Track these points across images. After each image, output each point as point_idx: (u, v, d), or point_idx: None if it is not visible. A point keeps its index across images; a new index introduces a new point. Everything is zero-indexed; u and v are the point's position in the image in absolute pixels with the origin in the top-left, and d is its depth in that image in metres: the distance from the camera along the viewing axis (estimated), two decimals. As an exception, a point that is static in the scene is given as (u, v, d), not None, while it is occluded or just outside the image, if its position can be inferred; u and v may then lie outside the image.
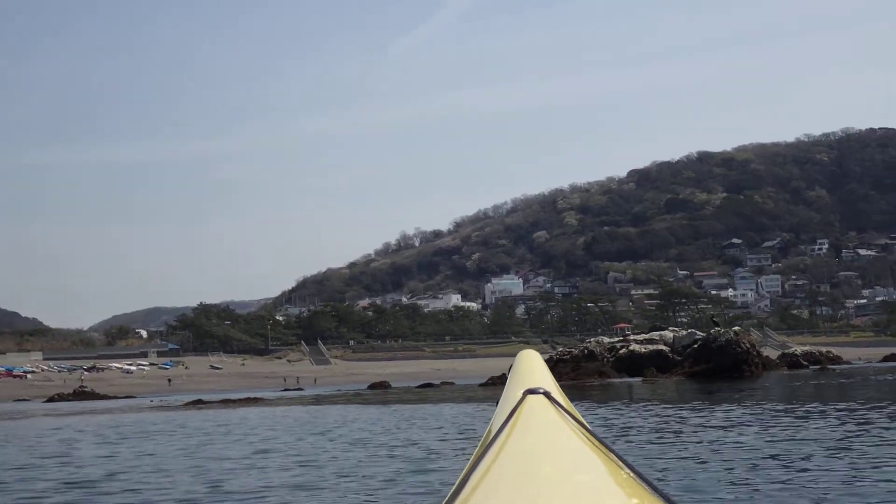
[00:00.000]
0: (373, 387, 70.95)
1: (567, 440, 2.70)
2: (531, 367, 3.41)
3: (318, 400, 51.31)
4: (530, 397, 2.96)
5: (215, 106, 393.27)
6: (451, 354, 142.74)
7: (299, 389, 78.80)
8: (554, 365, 60.36)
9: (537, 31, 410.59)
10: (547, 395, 3.00)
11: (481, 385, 62.16)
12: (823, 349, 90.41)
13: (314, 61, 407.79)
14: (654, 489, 2.42)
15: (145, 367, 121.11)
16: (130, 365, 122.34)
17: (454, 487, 2.39)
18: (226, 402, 51.26)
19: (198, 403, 51.28)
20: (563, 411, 2.91)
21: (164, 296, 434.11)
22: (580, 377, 55.51)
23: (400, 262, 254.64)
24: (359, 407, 39.82)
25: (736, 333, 60.43)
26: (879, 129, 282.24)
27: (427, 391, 60.66)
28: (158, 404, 55.74)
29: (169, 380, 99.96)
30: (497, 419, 2.94)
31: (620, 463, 2.58)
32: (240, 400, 53.39)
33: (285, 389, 79.51)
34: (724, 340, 58.37)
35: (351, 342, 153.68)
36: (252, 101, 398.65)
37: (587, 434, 2.79)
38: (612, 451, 2.65)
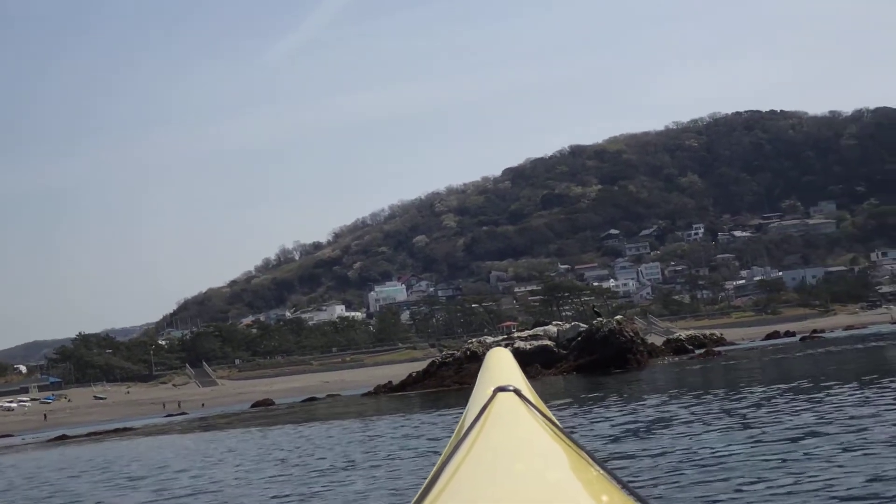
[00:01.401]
0: (256, 405, 69.17)
1: (537, 437, 2.70)
2: (501, 364, 3.45)
3: (187, 427, 48.83)
4: (500, 395, 2.95)
5: (62, 133, 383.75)
6: (339, 366, 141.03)
7: (183, 414, 76.56)
8: (437, 369, 59.26)
9: (407, 35, 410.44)
10: (517, 392, 2.98)
11: (365, 395, 60.70)
12: (707, 332, 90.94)
13: (177, 75, 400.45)
14: (625, 486, 2.45)
15: (26, 403, 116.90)
16: (10, 402, 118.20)
17: (424, 485, 2.38)
18: (92, 436, 48.99)
19: (63, 439, 48.89)
20: (533, 409, 2.89)
21: (43, 329, 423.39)
22: (464, 380, 54.13)
23: (281, 277, 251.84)
24: (224, 434, 37.54)
25: (618, 323, 59.77)
26: (745, 111, 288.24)
27: (312, 405, 58.99)
28: (22, 442, 53.37)
29: (45, 415, 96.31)
30: (467, 416, 2.94)
31: (591, 460, 2.61)
32: (107, 432, 51.10)
33: (168, 415, 77.09)
34: (606, 331, 57.53)
35: (237, 361, 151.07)
36: (94, 120, 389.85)
37: (557, 431, 2.79)
38: (582, 448, 2.68)
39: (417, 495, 2.32)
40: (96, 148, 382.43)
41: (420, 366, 63.77)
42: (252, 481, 16.59)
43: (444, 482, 2.38)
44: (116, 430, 51.64)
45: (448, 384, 54.51)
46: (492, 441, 2.63)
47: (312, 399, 67.40)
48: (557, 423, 2.85)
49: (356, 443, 22.44)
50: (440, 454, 2.32)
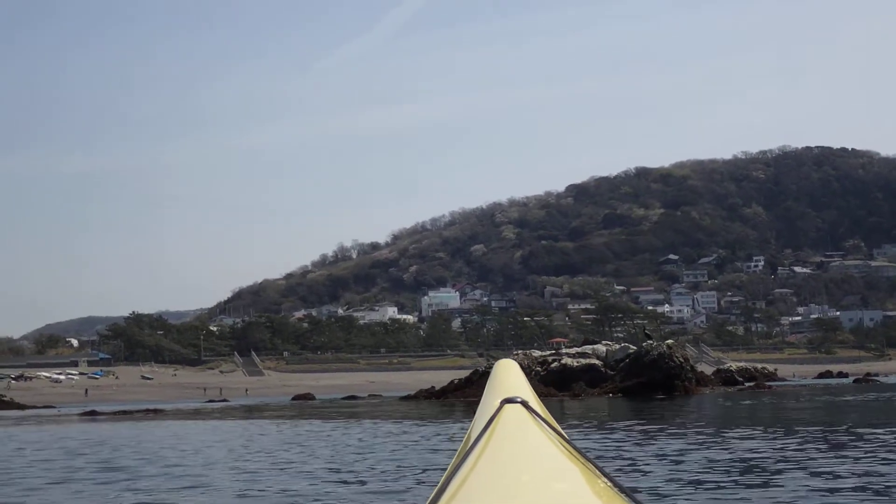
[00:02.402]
0: (296, 398, 69.63)
1: (544, 449, 2.72)
2: (509, 376, 3.42)
3: (220, 414, 48.39)
4: (507, 406, 2.98)
5: (152, 120, 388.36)
6: (386, 367, 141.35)
7: (224, 401, 76.91)
8: (479, 378, 58.76)
9: (472, 45, 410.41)
10: (524, 404, 3.00)
11: (404, 398, 60.41)
12: (759, 365, 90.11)
13: (249, 77, 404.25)
14: (631, 498, 2.47)
15: (74, 377, 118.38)
16: (59, 374, 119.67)
17: (431, 497, 2.41)
18: (120, 414, 49.18)
19: (93, 414, 49.34)
20: (540, 420, 2.93)
21: (100, 305, 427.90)
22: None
23: (337, 274, 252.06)
24: (248, 424, 36.72)
25: (669, 347, 58.95)
26: (815, 147, 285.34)
27: (350, 404, 58.91)
28: (57, 414, 53.95)
29: (86, 390, 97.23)
30: (475, 428, 2.96)
31: (597, 472, 2.62)
32: (138, 411, 51.14)
33: (210, 401, 77.61)
34: (656, 354, 56.82)
35: (285, 353, 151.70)
36: (188, 115, 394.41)
37: (564, 443, 2.81)
38: (589, 460, 2.69)
39: None
40: (177, 137, 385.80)
41: (465, 374, 63.40)
42: (214, 480, 15.79)
43: (451, 493, 2.40)
44: (147, 411, 51.76)
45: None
46: (499, 452, 2.65)
47: (353, 398, 67.49)
48: (565, 434, 2.87)
49: (359, 445, 21.96)
50: (442, 466, 2.41)
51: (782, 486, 12.44)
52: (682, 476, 13.99)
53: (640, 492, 11.65)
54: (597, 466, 2.64)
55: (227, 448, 22.16)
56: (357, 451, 19.57)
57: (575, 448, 2.76)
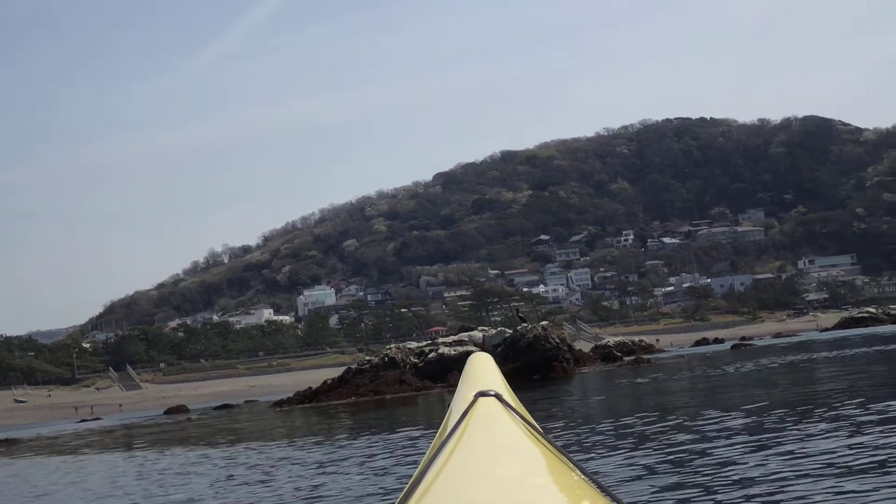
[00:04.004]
0: (170, 411, 67.66)
1: (518, 442, 2.73)
2: (482, 369, 3.45)
3: (71, 441, 45.01)
4: (482, 399, 2.99)
5: (7, 134, 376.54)
6: (266, 370, 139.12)
7: (97, 419, 74.75)
8: (353, 376, 57.42)
9: (332, 42, 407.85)
10: (498, 397, 3.01)
11: (274, 404, 57.84)
12: (636, 338, 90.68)
13: (99, 84, 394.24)
14: (606, 492, 2.48)
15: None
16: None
17: (405, 490, 2.43)
18: None
19: None
20: (514, 413, 2.93)
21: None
22: (380, 389, 52.34)
23: (209, 280, 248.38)
24: (94, 457, 33.72)
25: (544, 329, 58.51)
26: (675, 118, 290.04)
27: (224, 414, 56.88)
28: None
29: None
30: (449, 421, 2.97)
31: (572, 465, 2.65)
32: None
33: (81, 420, 75.38)
34: (531, 337, 56.17)
35: (162, 365, 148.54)
36: (36, 128, 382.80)
37: (538, 436, 2.83)
38: (563, 453, 2.71)
39: (399, 500, 2.36)
40: (41, 155, 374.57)
41: (342, 371, 61.74)
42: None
43: (425, 487, 2.40)
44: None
45: (364, 393, 52.27)
46: (473, 446, 2.67)
47: (226, 406, 65.34)
48: (538, 427, 2.88)
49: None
50: None
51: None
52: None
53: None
54: (571, 460, 2.66)
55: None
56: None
57: (549, 441, 2.77)
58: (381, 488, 15.06)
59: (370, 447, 22.76)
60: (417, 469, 2.54)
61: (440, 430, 2.99)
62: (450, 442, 2.68)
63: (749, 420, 18.99)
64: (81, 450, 38.11)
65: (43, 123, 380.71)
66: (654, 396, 33.08)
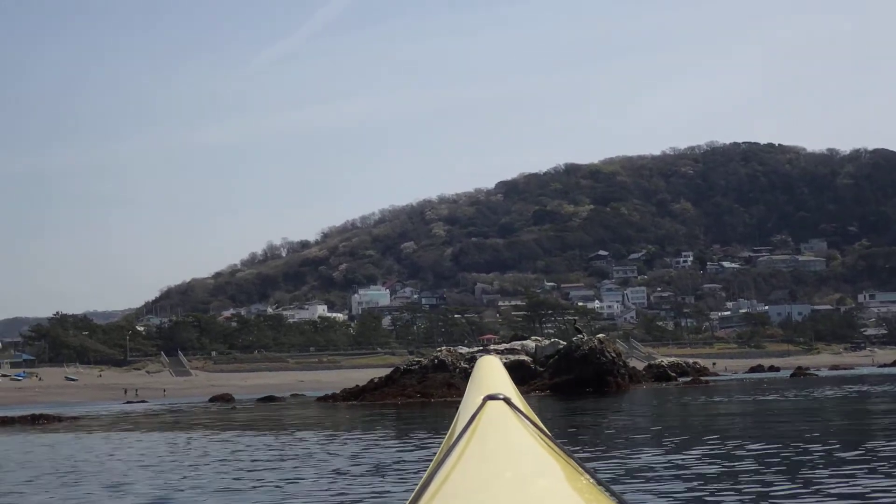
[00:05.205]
0: (215, 399, 67.83)
1: (527, 445, 2.73)
2: (491, 373, 3.43)
3: (114, 422, 44.28)
4: (490, 403, 2.98)
5: (88, 119, 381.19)
6: (316, 365, 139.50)
7: (143, 402, 75.32)
8: (400, 376, 56.97)
9: (402, 44, 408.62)
10: (507, 400, 3.00)
11: (318, 399, 57.99)
12: (690, 360, 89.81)
13: (185, 75, 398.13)
14: (614, 495, 2.50)
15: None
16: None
17: (414, 494, 2.43)
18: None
19: None
20: (522, 417, 2.93)
21: (26, 306, 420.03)
22: (428, 391, 51.67)
23: (266, 273, 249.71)
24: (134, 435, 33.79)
25: (600, 341, 57.84)
26: (743, 143, 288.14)
27: (265, 406, 56.51)
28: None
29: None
30: (457, 425, 2.97)
31: (580, 468, 2.63)
32: (22, 418, 46.28)
33: (127, 402, 76.12)
34: (587, 349, 55.55)
35: (213, 353, 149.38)
36: (136, 113, 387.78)
37: (547, 440, 2.83)
38: (571, 456, 2.70)
39: (408, 503, 2.37)
40: (89, 135, 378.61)
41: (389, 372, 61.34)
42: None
43: (433, 491, 2.41)
44: (34, 417, 46.67)
45: (410, 394, 51.88)
46: (481, 449, 2.67)
47: (270, 398, 65.14)
48: (547, 431, 2.89)
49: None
50: None
51: None
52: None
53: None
54: (579, 463, 2.65)
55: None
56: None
57: (557, 445, 2.77)
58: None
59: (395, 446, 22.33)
60: (426, 472, 2.56)
61: (448, 433, 2.98)
62: (458, 445, 2.68)
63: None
64: (115, 428, 38.27)
65: (134, 110, 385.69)
66: (727, 418, 31.78)
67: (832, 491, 12.21)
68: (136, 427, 38.68)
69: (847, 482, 12.90)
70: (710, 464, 15.64)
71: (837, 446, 18.05)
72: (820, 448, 17.70)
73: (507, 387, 3.15)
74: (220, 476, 17.19)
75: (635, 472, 14.74)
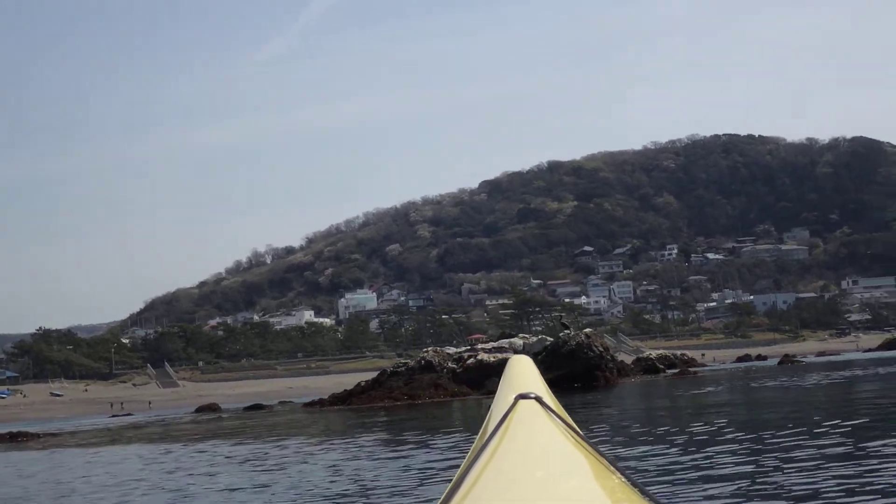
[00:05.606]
0: (201, 409, 67.70)
1: (559, 445, 2.75)
2: (523, 372, 3.46)
3: (94, 437, 44.08)
4: (522, 402, 3.00)
5: (51, 126, 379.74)
6: (304, 371, 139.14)
7: (128, 415, 75.23)
8: (387, 378, 56.81)
9: (382, 46, 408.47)
10: (538, 399, 3.03)
11: (307, 405, 57.82)
12: (678, 352, 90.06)
13: (136, 80, 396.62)
14: (646, 494, 2.49)
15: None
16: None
17: (446, 492, 2.44)
18: None
19: None
20: (554, 416, 2.96)
21: (7, 323, 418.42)
22: (415, 392, 51.46)
23: (251, 280, 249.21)
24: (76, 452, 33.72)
25: (588, 336, 57.95)
26: (723, 135, 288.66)
27: (249, 416, 55.93)
28: None
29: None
30: (490, 424, 2.98)
31: (612, 468, 2.64)
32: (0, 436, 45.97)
33: (113, 415, 76.08)
34: (574, 344, 55.57)
35: (200, 363, 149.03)
36: (78, 124, 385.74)
37: (579, 439, 2.84)
38: (603, 456, 2.71)
39: (441, 500, 2.39)
40: (77, 146, 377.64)
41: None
42: None
43: (465, 489, 2.42)
44: (12, 435, 46.16)
45: (397, 396, 51.41)
46: (513, 448, 2.69)
47: (257, 407, 64.78)
48: (579, 430, 2.90)
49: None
50: None
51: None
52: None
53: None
54: (611, 462, 2.65)
55: None
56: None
57: (589, 444, 2.78)
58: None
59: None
60: (459, 470, 2.57)
61: (481, 431, 2.98)
62: (490, 444, 2.68)
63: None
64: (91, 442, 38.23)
65: (84, 120, 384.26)
66: (718, 408, 31.85)
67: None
68: (114, 441, 38.60)
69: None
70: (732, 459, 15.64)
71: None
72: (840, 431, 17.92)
73: (538, 386, 3.20)
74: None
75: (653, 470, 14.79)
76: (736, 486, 12.24)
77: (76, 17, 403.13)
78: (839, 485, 11.79)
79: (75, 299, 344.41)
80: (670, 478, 13.49)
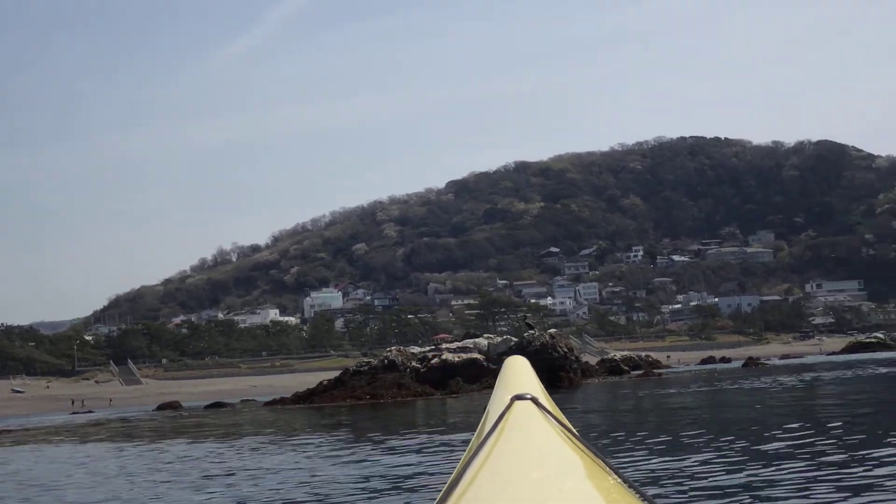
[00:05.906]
0: (162, 407, 67.13)
1: (555, 446, 2.73)
2: (519, 372, 3.46)
3: (45, 434, 42.80)
4: (518, 403, 2.99)
5: (17, 131, 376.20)
6: (269, 370, 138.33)
7: (89, 412, 74.43)
8: (350, 377, 56.37)
9: (350, 48, 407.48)
10: (534, 400, 3.01)
11: (268, 404, 57.14)
12: (642, 354, 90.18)
13: (120, 80, 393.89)
14: (642, 495, 2.48)
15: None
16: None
17: (441, 493, 2.42)
18: None
19: None
20: (550, 417, 2.94)
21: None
22: (378, 392, 51.05)
23: (216, 278, 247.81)
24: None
25: (552, 336, 57.82)
26: (690, 137, 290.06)
27: (213, 413, 55.36)
28: None
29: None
30: (485, 425, 2.98)
31: (608, 469, 2.64)
32: None
33: (74, 412, 75.29)
34: (538, 345, 55.43)
35: (164, 360, 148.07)
36: (60, 122, 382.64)
37: (575, 440, 2.82)
38: (599, 457, 2.71)
39: (436, 501, 2.37)
40: (47, 145, 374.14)
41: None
42: None
43: (461, 491, 2.41)
44: None
45: (360, 395, 50.77)
46: (509, 449, 2.67)
47: (219, 405, 64.03)
48: (575, 431, 2.88)
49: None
50: None
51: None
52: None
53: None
54: (607, 463, 2.65)
55: None
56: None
57: (585, 445, 2.77)
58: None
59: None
60: (454, 471, 2.56)
61: (477, 432, 2.98)
62: (486, 445, 2.67)
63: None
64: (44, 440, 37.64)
65: (61, 119, 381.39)
66: (688, 410, 31.68)
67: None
68: (65, 439, 37.94)
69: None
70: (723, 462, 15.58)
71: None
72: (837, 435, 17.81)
73: (534, 387, 3.17)
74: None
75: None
76: (701, 485, 12.06)
77: (74, 15, 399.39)
78: (801, 486, 11.62)
79: (38, 296, 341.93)
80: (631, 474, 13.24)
